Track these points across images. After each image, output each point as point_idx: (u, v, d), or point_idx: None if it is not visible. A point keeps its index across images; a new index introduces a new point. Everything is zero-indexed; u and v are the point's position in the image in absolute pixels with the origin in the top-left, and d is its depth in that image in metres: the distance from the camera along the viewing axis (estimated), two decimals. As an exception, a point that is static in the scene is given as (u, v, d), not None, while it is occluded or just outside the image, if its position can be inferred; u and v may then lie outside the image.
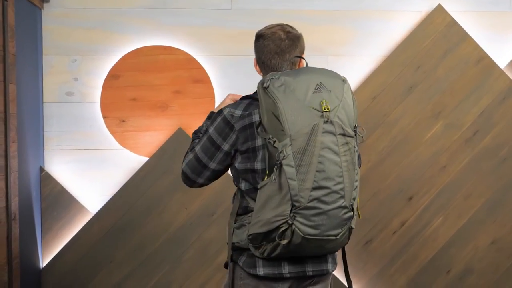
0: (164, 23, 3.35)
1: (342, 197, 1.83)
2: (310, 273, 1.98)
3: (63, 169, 3.34)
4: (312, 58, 3.39)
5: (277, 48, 2.03)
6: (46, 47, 3.31)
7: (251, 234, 1.90)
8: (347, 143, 1.83)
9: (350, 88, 1.91)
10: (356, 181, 1.89)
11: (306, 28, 3.39)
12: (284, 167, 1.78)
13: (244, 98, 2.05)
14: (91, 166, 3.36)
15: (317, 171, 1.79)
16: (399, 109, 3.41)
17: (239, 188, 2.03)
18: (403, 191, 3.44)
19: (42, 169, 3.29)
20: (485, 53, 3.42)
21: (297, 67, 2.07)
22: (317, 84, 1.84)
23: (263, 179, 1.92)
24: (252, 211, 1.95)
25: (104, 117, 3.35)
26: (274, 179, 1.81)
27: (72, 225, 3.34)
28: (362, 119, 3.38)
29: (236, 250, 2.01)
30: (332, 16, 3.41)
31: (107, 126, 3.35)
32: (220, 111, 2.01)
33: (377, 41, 3.43)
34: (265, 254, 1.90)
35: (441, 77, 3.41)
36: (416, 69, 3.40)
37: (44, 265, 3.31)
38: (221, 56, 3.38)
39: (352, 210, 1.88)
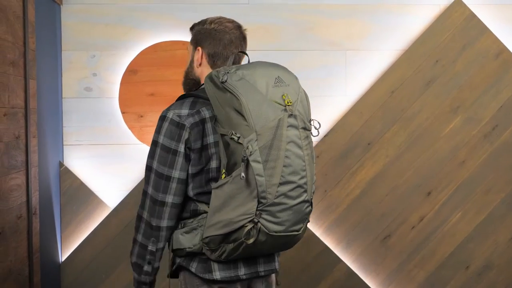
0: (182, 18, 3.35)
1: (306, 191, 1.80)
2: (262, 273, 1.96)
3: (82, 164, 3.37)
4: (330, 52, 3.40)
5: (236, 40, 2.03)
6: (65, 43, 3.33)
7: (207, 237, 1.83)
8: (307, 136, 1.81)
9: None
10: (315, 174, 1.87)
11: (324, 22, 3.41)
12: (251, 163, 1.71)
13: (183, 97, 1.98)
14: (109, 161, 3.38)
15: (284, 166, 1.74)
16: (417, 103, 3.39)
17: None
18: (422, 186, 3.42)
19: (61, 164, 3.31)
20: (504, 46, 3.39)
21: (240, 63, 2.06)
22: (276, 78, 1.80)
23: (216, 179, 1.87)
24: (202, 213, 1.90)
25: (123, 112, 3.36)
26: (242, 176, 1.71)
27: (91, 220, 3.36)
28: (380, 114, 3.37)
29: (186, 256, 1.94)
30: (350, 10, 3.40)
31: (126, 121, 3.36)
32: (163, 117, 1.90)
33: (395, 35, 3.42)
34: (223, 256, 1.84)
35: (460, 71, 3.39)
36: (434, 63, 3.38)
37: (63, 259, 3.34)
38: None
39: (311, 204, 1.87)
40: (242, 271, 1.92)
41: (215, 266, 1.90)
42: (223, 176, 1.81)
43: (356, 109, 3.38)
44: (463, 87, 3.39)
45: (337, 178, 3.40)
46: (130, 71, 3.35)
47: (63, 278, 3.34)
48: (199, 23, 2.06)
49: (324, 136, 3.39)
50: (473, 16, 3.37)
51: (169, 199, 1.87)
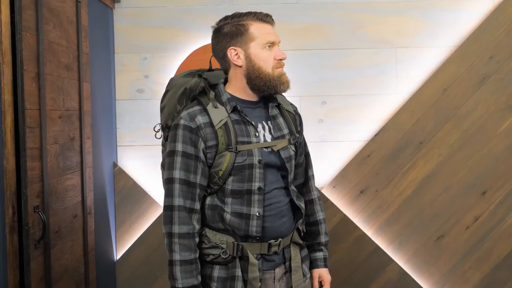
0: (231, 19, 3.37)
1: None
2: None
3: (135, 164, 3.44)
4: (380, 50, 3.36)
5: None
6: (117, 46, 3.41)
7: None
8: None
9: None
10: None
11: (374, 20, 3.37)
12: None
13: None
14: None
15: None
16: (471, 101, 3.31)
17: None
18: (476, 186, 3.34)
19: (115, 165, 3.39)
20: None
21: None
22: None
23: None
24: None
25: (174, 113, 3.41)
26: None
27: (144, 219, 3.43)
28: (432, 112, 3.31)
29: None
30: (400, 7, 3.35)
31: (177, 122, 3.41)
32: None
33: (448, 31, 3.34)
34: None
35: (515, 67, 3.29)
36: (488, 59, 3.30)
37: (118, 257, 3.42)
38: (288, 51, 3.37)
39: None
40: None
41: None
42: None
43: (407, 108, 3.33)
44: (519, 83, 3.29)
45: (389, 178, 3.35)
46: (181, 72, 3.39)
47: (118, 275, 3.42)
48: None
49: (375, 135, 3.35)
50: (529, 10, 3.27)
51: None
